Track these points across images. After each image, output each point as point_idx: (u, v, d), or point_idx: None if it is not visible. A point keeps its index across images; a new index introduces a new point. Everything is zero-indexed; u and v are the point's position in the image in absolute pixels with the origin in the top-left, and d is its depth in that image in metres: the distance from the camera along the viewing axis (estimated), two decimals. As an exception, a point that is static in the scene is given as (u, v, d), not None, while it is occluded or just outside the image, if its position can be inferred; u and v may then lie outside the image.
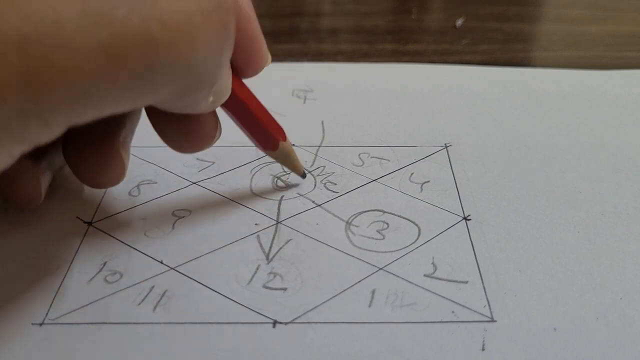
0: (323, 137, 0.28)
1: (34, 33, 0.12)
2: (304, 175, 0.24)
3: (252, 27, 0.20)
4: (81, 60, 0.13)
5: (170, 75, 0.15)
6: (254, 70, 0.21)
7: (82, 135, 0.20)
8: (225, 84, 0.19)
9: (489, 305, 0.19)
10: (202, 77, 0.16)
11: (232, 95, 0.20)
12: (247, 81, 0.21)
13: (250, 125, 0.22)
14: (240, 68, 0.20)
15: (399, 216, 0.23)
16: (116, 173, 0.21)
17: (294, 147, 0.23)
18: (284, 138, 0.23)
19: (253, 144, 0.23)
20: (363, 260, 0.21)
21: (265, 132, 0.22)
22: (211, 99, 0.18)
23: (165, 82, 0.15)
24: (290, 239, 0.22)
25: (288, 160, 0.23)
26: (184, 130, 0.20)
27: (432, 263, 0.20)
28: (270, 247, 0.21)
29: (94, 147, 0.20)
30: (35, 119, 0.13)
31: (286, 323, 0.18)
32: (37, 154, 0.21)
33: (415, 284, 0.20)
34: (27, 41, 0.12)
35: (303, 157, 0.26)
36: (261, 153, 0.26)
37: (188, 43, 0.15)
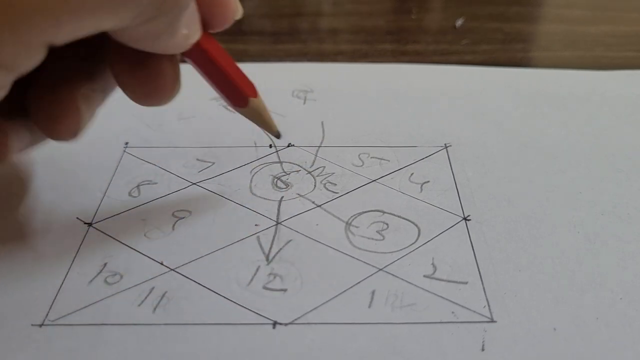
0: (323, 137, 0.28)
1: None
2: (278, 135, 0.23)
3: None
4: None
5: None
6: (222, 21, 0.20)
7: (47, 80, 0.19)
8: (196, 17, 0.19)
9: (489, 305, 0.19)
10: None
11: (198, 47, 0.19)
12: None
13: (218, 80, 0.21)
14: (206, 19, 0.20)
15: (398, 217, 0.23)
16: (70, 123, 0.19)
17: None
18: (255, 94, 0.22)
19: (224, 100, 0.22)
20: (363, 261, 0.21)
21: (233, 87, 0.21)
22: (185, 31, 0.18)
23: None
24: (290, 240, 0.22)
25: (259, 119, 0.22)
26: (143, 77, 0.19)
27: (432, 264, 0.20)
28: (270, 248, 0.21)
29: (53, 92, 0.19)
30: (9, 33, 0.13)
31: (286, 324, 0.18)
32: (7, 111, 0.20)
33: (415, 285, 0.20)
34: None
35: (303, 157, 0.26)
36: (261, 153, 0.26)
37: None
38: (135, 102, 0.20)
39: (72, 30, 0.14)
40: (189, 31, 0.18)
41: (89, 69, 0.20)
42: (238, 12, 0.20)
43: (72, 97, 0.20)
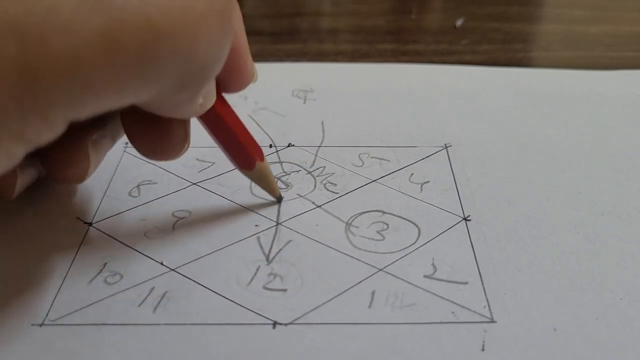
0: (323, 137, 0.28)
1: (29, 19, 0.12)
2: (279, 199, 0.23)
3: (239, 40, 0.19)
4: (79, 47, 0.12)
5: (171, 65, 0.14)
6: (238, 85, 0.20)
7: None
8: (213, 86, 0.19)
9: (489, 305, 0.19)
10: (202, 69, 0.16)
11: (212, 111, 0.19)
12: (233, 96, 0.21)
13: (228, 142, 0.21)
14: (223, 82, 0.20)
15: (398, 217, 0.23)
16: (79, 169, 0.20)
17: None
18: (262, 158, 0.22)
19: (231, 162, 0.22)
20: (363, 261, 0.21)
21: (242, 150, 0.21)
22: (201, 100, 0.18)
23: (165, 73, 0.14)
24: (290, 240, 0.22)
25: (264, 182, 0.23)
26: (154, 136, 0.19)
27: (432, 264, 0.20)
28: (270, 248, 0.21)
29: (65, 139, 0.19)
30: (34, 113, 0.13)
31: (286, 324, 0.18)
32: None
33: (415, 285, 0.20)
34: (22, 27, 0.12)
35: (303, 157, 0.26)
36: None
37: (189, 32, 0.14)
38: (143, 155, 0.20)
39: (94, 108, 0.14)
40: (206, 100, 0.18)
41: (100, 116, 0.20)
42: (254, 77, 0.21)
43: (83, 144, 0.20)
